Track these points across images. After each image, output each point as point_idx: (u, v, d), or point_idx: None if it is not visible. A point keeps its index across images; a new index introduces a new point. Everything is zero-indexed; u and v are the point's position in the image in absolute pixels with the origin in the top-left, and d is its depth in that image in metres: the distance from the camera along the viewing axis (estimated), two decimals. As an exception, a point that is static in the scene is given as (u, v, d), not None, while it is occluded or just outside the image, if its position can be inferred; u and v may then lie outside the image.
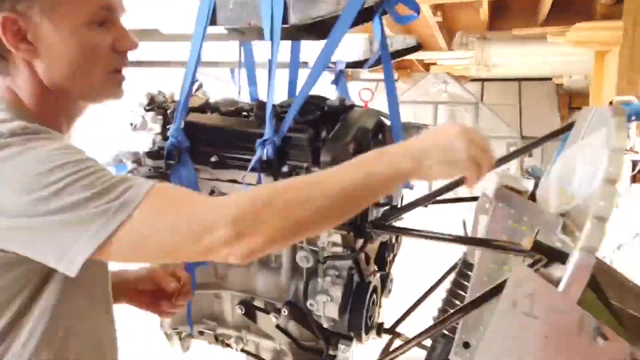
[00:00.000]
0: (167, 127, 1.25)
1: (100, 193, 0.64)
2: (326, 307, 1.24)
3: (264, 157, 1.14)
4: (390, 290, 1.60)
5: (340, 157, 1.10)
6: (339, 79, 1.79)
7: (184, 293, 0.95)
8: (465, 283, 1.31)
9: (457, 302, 1.31)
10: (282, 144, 1.14)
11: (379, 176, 0.71)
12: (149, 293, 0.95)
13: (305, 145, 1.13)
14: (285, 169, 1.13)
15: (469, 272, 1.30)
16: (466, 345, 1.27)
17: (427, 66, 6.77)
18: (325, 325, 1.28)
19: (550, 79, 7.44)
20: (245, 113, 1.31)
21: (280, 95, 1.36)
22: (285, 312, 1.29)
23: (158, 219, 0.65)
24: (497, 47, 5.56)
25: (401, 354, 1.03)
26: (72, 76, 0.74)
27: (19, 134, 0.65)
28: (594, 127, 0.98)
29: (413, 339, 0.99)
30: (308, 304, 1.26)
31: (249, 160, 1.17)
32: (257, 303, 1.39)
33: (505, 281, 0.84)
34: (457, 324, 1.31)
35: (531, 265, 0.75)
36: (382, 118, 1.29)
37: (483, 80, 7.51)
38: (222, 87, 1.78)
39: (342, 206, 0.70)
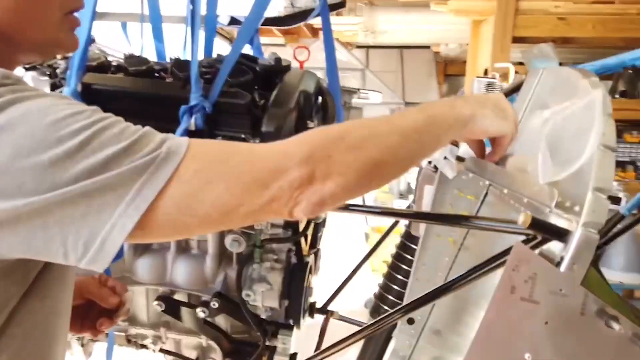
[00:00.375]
0: (58, 90, 0.99)
1: (134, 144, 0.52)
2: (265, 296, 1.10)
3: (192, 128, 0.95)
4: (319, 268, 1.50)
5: (284, 125, 0.95)
6: (254, 37, 1.61)
7: (124, 307, 0.76)
8: (408, 257, 1.25)
9: (400, 276, 1.25)
10: (212, 112, 0.96)
11: (442, 117, 0.69)
12: (75, 310, 0.73)
13: (243, 113, 0.96)
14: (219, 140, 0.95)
15: (413, 245, 1.24)
16: (410, 321, 1.22)
17: (315, 32, 6.66)
18: (263, 316, 1.14)
19: (428, 47, 7.77)
20: (157, 74, 1.09)
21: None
22: (215, 304, 1.13)
23: (211, 169, 0.54)
24: (384, 14, 5.64)
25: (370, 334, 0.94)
26: (19, 19, 0.56)
27: (5, 83, 0.49)
28: (559, 96, 0.94)
29: (385, 317, 0.90)
30: (244, 294, 1.11)
31: (169, 131, 0.97)
32: (179, 296, 1.21)
33: (491, 259, 0.77)
34: (399, 301, 1.25)
35: (533, 247, 0.68)
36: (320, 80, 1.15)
37: (368, 47, 7.61)
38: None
39: (411, 147, 0.65)
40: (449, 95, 8.20)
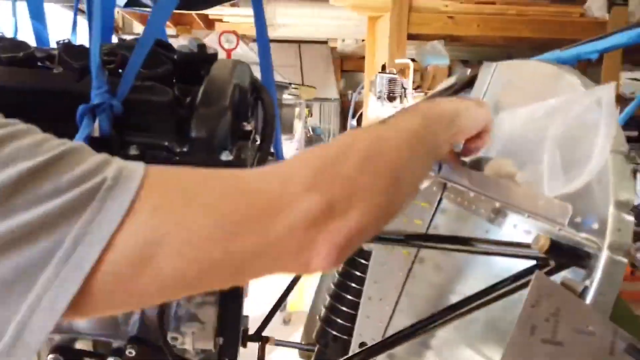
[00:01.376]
0: None
1: (58, 160, 0.35)
2: (197, 337, 0.90)
3: (95, 134, 0.72)
4: (248, 289, 1.32)
5: (218, 129, 0.76)
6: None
7: None
8: (357, 273, 1.11)
9: (349, 296, 1.11)
10: (122, 112, 0.73)
11: (438, 118, 0.59)
12: None
13: (164, 114, 0.75)
14: (133, 151, 0.73)
15: (362, 260, 1.11)
16: (362, 345, 1.09)
17: (210, 24, 6.33)
18: (193, 360, 0.94)
19: (326, 42, 7.78)
20: (41, 64, 0.83)
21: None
22: (131, 352, 0.90)
23: (181, 204, 0.37)
24: (283, 7, 5.49)
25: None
26: None
27: None
28: (526, 92, 0.85)
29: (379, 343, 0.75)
30: (169, 337, 0.89)
31: (62, 137, 0.73)
32: (82, 345, 0.96)
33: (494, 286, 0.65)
34: (349, 323, 1.12)
35: (547, 274, 0.57)
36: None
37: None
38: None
39: (417, 153, 0.52)
40: (346, 91, 8.30)
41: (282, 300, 1.32)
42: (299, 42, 7.75)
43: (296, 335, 1.55)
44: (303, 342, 1.44)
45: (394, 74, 4.56)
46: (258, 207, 0.39)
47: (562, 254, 0.56)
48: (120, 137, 0.74)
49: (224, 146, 0.76)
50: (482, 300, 0.63)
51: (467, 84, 1.04)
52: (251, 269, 0.40)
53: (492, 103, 0.94)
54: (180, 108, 0.76)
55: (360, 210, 0.41)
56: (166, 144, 0.74)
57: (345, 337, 1.09)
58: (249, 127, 0.85)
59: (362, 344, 1.07)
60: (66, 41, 0.84)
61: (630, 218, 0.56)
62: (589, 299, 0.55)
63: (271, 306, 1.32)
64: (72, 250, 0.33)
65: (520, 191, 0.66)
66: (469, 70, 1.12)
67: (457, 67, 5.60)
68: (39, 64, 0.82)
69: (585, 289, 0.55)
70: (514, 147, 0.77)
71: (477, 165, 0.81)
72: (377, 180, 0.44)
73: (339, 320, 1.09)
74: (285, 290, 1.34)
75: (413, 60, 4.96)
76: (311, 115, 7.49)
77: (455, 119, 0.62)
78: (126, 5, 1.38)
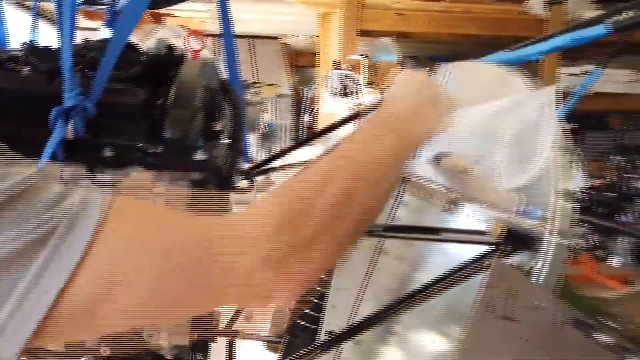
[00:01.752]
0: None
1: (25, 208, 0.34)
2: (172, 333, 0.92)
3: (69, 136, 0.73)
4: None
5: (191, 130, 0.78)
6: (114, 18, 1.37)
7: None
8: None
9: (317, 287, 1.16)
10: (96, 114, 0.75)
11: (409, 139, 0.60)
12: None
13: (136, 115, 0.77)
14: (107, 152, 0.75)
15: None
16: (330, 333, 1.14)
17: (160, 18, 6.18)
18: (168, 357, 0.96)
19: (277, 37, 7.76)
20: (6, 66, 0.83)
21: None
22: (106, 351, 0.91)
23: (145, 237, 0.38)
24: (235, 2, 5.43)
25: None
26: None
27: None
28: (479, 93, 0.92)
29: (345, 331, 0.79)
30: (145, 334, 0.91)
31: (36, 142, 0.74)
32: (53, 346, 0.96)
33: (450, 272, 0.71)
34: (317, 314, 1.16)
35: (503, 258, 0.63)
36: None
37: (218, 35, 7.35)
38: None
39: (387, 179, 0.54)
40: (299, 86, 8.32)
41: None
42: (251, 37, 7.70)
43: (259, 330, 1.59)
44: (271, 335, 1.48)
45: (347, 70, 4.63)
46: (221, 248, 0.40)
47: (515, 240, 0.63)
48: (94, 139, 0.75)
49: (196, 146, 0.79)
50: (442, 285, 0.69)
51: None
52: (212, 303, 0.43)
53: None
54: (152, 109, 0.78)
55: (322, 251, 0.43)
56: (140, 145, 0.76)
57: (313, 326, 1.13)
58: (218, 127, 0.88)
59: (330, 332, 1.12)
60: (31, 42, 0.83)
61: (572, 206, 0.63)
62: (538, 278, 0.62)
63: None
64: (34, 284, 0.34)
65: (477, 184, 0.72)
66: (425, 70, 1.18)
67: (407, 62, 5.75)
68: (5, 66, 0.82)
69: (535, 269, 0.62)
70: (470, 143, 0.84)
71: (437, 160, 0.88)
72: (345, 223, 0.45)
73: (306, 311, 1.13)
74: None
75: (365, 56, 5.05)
76: (265, 111, 7.47)
77: (425, 133, 0.65)
78: (86, 2, 1.36)
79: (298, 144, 1.23)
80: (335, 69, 4.42)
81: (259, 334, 1.47)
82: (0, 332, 0.34)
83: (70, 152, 0.73)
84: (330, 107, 4.48)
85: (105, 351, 0.92)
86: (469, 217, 0.82)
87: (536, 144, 0.68)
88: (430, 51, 6.94)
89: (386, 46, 5.40)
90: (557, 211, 0.62)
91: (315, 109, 5.96)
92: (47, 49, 0.84)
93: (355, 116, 1.12)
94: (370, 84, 4.93)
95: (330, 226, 0.44)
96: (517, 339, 0.62)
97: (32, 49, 0.80)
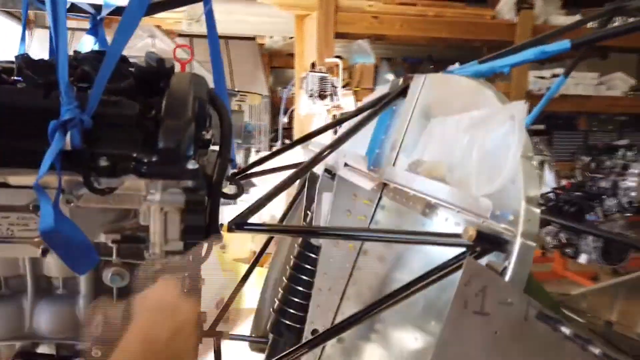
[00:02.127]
0: None
1: None
2: (163, 334, 0.95)
3: (67, 148, 0.76)
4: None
5: (184, 140, 0.82)
6: (97, 28, 1.39)
7: None
8: (308, 267, 1.21)
9: (300, 288, 1.21)
10: (92, 126, 0.78)
11: None
12: None
13: (131, 126, 0.80)
14: (103, 162, 0.78)
15: (312, 255, 1.21)
16: (314, 332, 1.19)
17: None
18: (159, 357, 0.99)
19: (253, 38, 7.77)
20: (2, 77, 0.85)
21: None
22: (97, 353, 0.94)
23: None
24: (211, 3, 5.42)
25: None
26: None
27: None
28: (454, 104, 0.98)
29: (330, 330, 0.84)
30: (136, 335, 0.94)
31: (33, 153, 0.77)
32: (44, 349, 0.99)
33: (429, 272, 0.76)
34: (301, 313, 1.21)
35: (475, 258, 0.69)
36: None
37: (192, 36, 7.30)
38: None
39: None
40: (276, 87, 8.34)
41: (232, 298, 1.39)
42: (227, 38, 7.70)
43: (236, 331, 1.63)
44: (253, 335, 1.52)
45: (324, 72, 4.69)
46: None
47: (486, 241, 0.69)
48: (90, 149, 0.78)
49: (189, 155, 0.83)
50: (421, 285, 0.75)
51: (400, 94, 1.16)
52: None
53: (423, 111, 1.07)
54: (146, 120, 0.82)
55: None
56: (135, 155, 0.80)
57: (298, 325, 1.18)
58: (208, 136, 0.92)
59: (314, 331, 1.18)
60: (25, 55, 0.86)
61: (537, 210, 0.69)
62: (507, 276, 0.68)
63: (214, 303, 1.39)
64: None
65: (451, 190, 0.78)
66: (400, 80, 1.24)
67: (382, 64, 5.84)
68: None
69: (505, 268, 0.68)
70: (444, 151, 0.90)
71: (414, 167, 0.93)
72: None
73: (291, 311, 1.18)
74: (236, 288, 1.42)
75: (341, 57, 5.12)
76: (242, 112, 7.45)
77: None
78: (70, 10, 1.37)
79: (281, 149, 1.28)
80: (312, 71, 4.47)
81: (243, 335, 1.52)
82: None
83: (67, 162, 0.76)
84: (307, 109, 4.52)
85: (97, 353, 0.95)
86: (446, 221, 0.89)
87: (506, 154, 0.74)
88: (404, 53, 7.05)
89: (362, 48, 5.47)
90: (523, 215, 0.69)
91: (291, 110, 6.01)
92: (41, 61, 0.86)
93: (337, 123, 1.17)
94: (345, 85, 5.00)
95: None
96: (490, 332, 0.68)
97: (27, 62, 0.83)
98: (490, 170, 0.75)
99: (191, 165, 0.81)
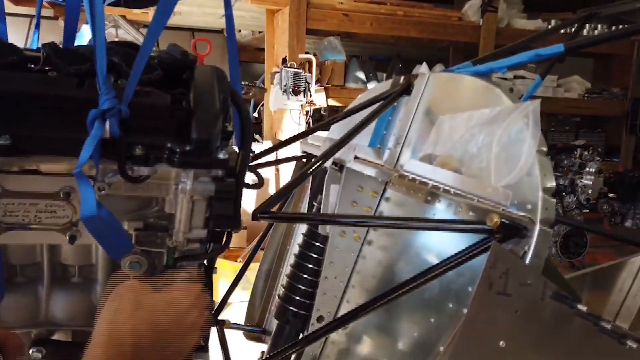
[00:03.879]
0: None
1: None
2: (183, 319, 0.98)
3: (106, 136, 0.78)
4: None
5: (215, 131, 0.85)
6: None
7: None
8: (313, 255, 1.25)
9: (306, 276, 1.25)
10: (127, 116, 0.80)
11: None
12: None
13: (165, 117, 0.82)
14: (138, 151, 0.80)
15: (317, 243, 1.25)
16: (320, 319, 1.24)
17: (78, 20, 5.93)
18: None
19: (221, 31, 7.69)
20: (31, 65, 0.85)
21: None
22: (116, 339, 0.96)
23: None
24: (181, -6, 5.35)
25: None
26: None
27: None
28: (463, 102, 1.04)
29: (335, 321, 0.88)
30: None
31: (66, 141, 0.78)
32: (61, 336, 0.99)
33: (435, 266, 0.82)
34: (307, 300, 1.25)
35: (500, 243, 0.75)
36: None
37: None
38: None
39: None
40: (244, 81, 8.28)
41: (233, 287, 1.42)
42: (193, 30, 7.61)
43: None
44: (247, 325, 1.56)
45: (297, 68, 4.72)
46: None
47: (508, 228, 0.75)
48: (126, 139, 0.80)
49: (219, 146, 0.85)
50: (443, 269, 0.81)
51: (404, 91, 1.21)
52: None
53: (427, 108, 1.13)
54: (178, 111, 0.84)
55: None
56: (168, 145, 0.82)
57: (304, 312, 1.22)
58: (230, 128, 0.95)
59: (319, 318, 1.22)
60: (53, 43, 0.86)
61: (554, 200, 0.76)
62: (527, 260, 0.75)
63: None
64: None
65: (470, 181, 0.84)
66: (402, 78, 1.30)
67: (352, 62, 5.91)
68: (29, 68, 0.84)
69: (525, 253, 0.75)
70: (455, 146, 0.96)
71: (425, 161, 0.99)
72: None
73: (297, 298, 1.22)
74: (237, 275, 1.44)
75: (315, 54, 5.16)
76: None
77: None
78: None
79: (285, 142, 1.32)
80: (285, 67, 4.50)
81: (241, 324, 1.55)
82: None
83: (105, 150, 0.78)
84: (280, 104, 4.54)
85: (116, 340, 0.96)
86: (447, 207, 0.95)
87: (521, 148, 0.81)
88: (372, 51, 7.17)
89: (332, 45, 5.52)
90: (541, 204, 0.76)
91: (261, 105, 6.00)
92: (70, 50, 0.87)
93: (344, 116, 1.22)
94: (316, 82, 5.04)
95: None
96: (511, 312, 0.74)
97: (56, 51, 0.83)
98: (507, 163, 0.81)
99: (222, 155, 0.84)
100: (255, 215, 0.89)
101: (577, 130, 6.23)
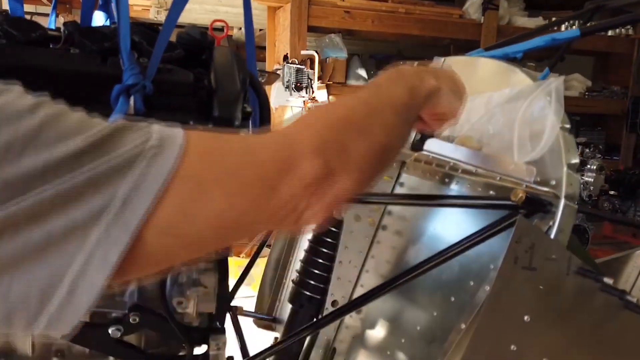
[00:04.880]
0: None
1: (108, 139, 0.38)
2: (201, 301, 0.98)
3: (131, 112, 0.78)
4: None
5: (236, 110, 0.85)
6: (107, 3, 1.39)
7: None
8: (328, 239, 1.25)
9: (321, 260, 1.25)
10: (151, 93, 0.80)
11: (418, 90, 0.62)
12: None
13: (187, 94, 0.82)
14: (161, 127, 0.80)
15: (331, 228, 1.25)
16: (334, 304, 1.24)
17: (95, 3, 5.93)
18: (195, 324, 1.01)
19: (222, 29, 7.68)
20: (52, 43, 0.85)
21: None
22: (135, 319, 0.96)
23: (214, 168, 0.42)
24: (182, -9, 5.34)
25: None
26: None
27: None
28: (484, 83, 1.04)
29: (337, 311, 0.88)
30: (175, 302, 0.96)
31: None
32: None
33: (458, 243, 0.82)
34: (322, 285, 1.25)
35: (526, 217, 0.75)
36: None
37: (159, 24, 7.17)
38: None
39: (405, 125, 0.60)
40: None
41: (246, 272, 1.42)
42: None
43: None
44: (257, 312, 1.56)
45: (299, 64, 4.72)
46: (266, 170, 0.44)
47: (532, 204, 0.76)
48: (149, 115, 0.80)
49: (240, 125, 0.86)
50: (467, 244, 0.81)
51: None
52: (261, 223, 0.46)
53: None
54: (200, 89, 0.84)
55: (352, 178, 0.48)
56: (191, 122, 0.82)
57: (318, 297, 1.22)
58: (249, 109, 0.95)
59: (334, 302, 1.22)
60: (75, 22, 0.86)
61: (577, 176, 0.77)
62: (552, 235, 0.75)
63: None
64: (124, 206, 0.36)
65: (493, 159, 0.85)
66: (415, 64, 1.30)
67: (353, 60, 5.92)
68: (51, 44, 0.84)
69: (549, 228, 0.75)
70: (473, 126, 0.96)
71: (447, 138, 0.99)
72: (370, 153, 0.51)
73: (312, 283, 1.22)
74: (248, 264, 1.44)
75: (316, 51, 5.16)
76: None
77: (434, 98, 0.65)
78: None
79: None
80: (287, 63, 4.50)
81: (252, 311, 1.55)
82: (90, 258, 0.35)
83: (130, 126, 0.78)
84: (282, 100, 4.54)
85: (134, 319, 0.96)
86: (465, 190, 0.95)
87: (544, 125, 0.81)
88: (373, 49, 7.16)
89: (334, 42, 5.53)
90: (565, 180, 0.76)
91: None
92: (92, 29, 0.87)
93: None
94: (318, 79, 5.04)
95: (357, 156, 0.50)
96: (536, 286, 0.74)
97: (79, 29, 0.83)
98: (530, 140, 0.81)
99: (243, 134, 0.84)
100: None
101: (578, 129, 6.23)
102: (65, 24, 0.86)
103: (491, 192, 0.89)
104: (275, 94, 4.77)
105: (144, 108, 0.78)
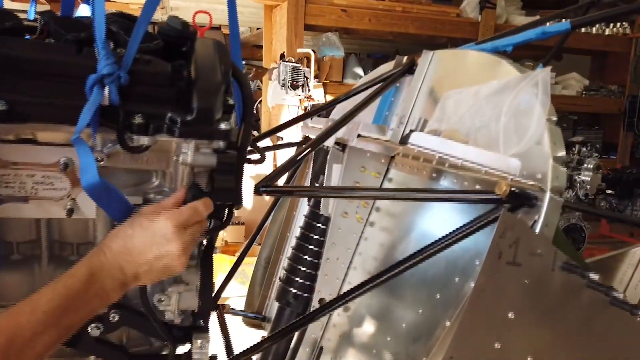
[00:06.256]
0: None
1: None
2: (183, 298, 0.96)
3: (105, 103, 0.75)
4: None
5: (217, 101, 0.83)
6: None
7: None
8: (315, 237, 1.23)
9: (307, 257, 1.23)
10: (128, 83, 0.77)
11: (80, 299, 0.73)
12: None
13: (165, 85, 0.80)
14: (137, 119, 0.78)
15: (319, 224, 1.23)
16: (321, 301, 1.22)
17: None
18: (176, 322, 0.99)
19: (219, 27, 7.66)
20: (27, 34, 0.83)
21: None
22: (115, 317, 0.93)
23: None
24: (178, -11, 5.32)
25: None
26: None
27: None
28: (469, 77, 1.02)
29: (336, 300, 0.87)
30: (155, 299, 0.94)
31: (64, 109, 0.76)
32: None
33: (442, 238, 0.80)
34: (308, 282, 1.23)
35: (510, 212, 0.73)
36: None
37: (155, 23, 7.14)
38: None
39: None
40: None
41: (234, 269, 1.40)
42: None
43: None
44: (246, 311, 1.54)
45: (295, 62, 4.70)
46: None
47: (517, 197, 0.74)
48: (125, 107, 0.78)
49: (220, 117, 0.83)
50: (451, 240, 0.79)
51: (408, 70, 1.20)
52: None
53: (431, 86, 1.11)
54: (179, 80, 0.82)
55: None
56: (169, 114, 0.80)
57: (305, 294, 1.20)
58: (231, 101, 0.93)
59: (321, 300, 1.20)
60: (48, 11, 0.84)
61: (564, 169, 0.75)
62: (537, 229, 0.73)
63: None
64: None
65: (479, 151, 0.83)
66: (404, 58, 1.28)
67: (350, 58, 5.90)
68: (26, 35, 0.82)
69: (535, 222, 0.73)
70: (461, 120, 0.94)
71: (435, 133, 0.97)
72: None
73: (299, 280, 1.20)
74: (237, 259, 1.42)
75: (313, 50, 5.14)
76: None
77: (119, 290, 0.78)
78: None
79: (291, 121, 1.30)
80: (284, 61, 4.47)
81: (240, 310, 1.53)
82: None
83: (104, 117, 0.76)
84: (277, 99, 4.52)
85: (114, 318, 0.94)
86: (453, 185, 0.93)
87: (530, 117, 0.79)
88: (370, 48, 7.14)
89: (331, 41, 5.51)
90: (551, 173, 0.74)
91: (258, 102, 5.98)
92: (68, 19, 0.85)
93: (348, 97, 1.20)
94: (314, 77, 5.02)
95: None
96: (520, 282, 0.72)
97: (54, 19, 0.81)
98: (517, 133, 0.79)
99: (224, 126, 0.82)
100: (258, 189, 0.87)
101: (575, 128, 6.22)
102: (41, 13, 0.84)
103: (478, 187, 0.87)
104: (272, 93, 4.75)
105: (119, 99, 0.76)
